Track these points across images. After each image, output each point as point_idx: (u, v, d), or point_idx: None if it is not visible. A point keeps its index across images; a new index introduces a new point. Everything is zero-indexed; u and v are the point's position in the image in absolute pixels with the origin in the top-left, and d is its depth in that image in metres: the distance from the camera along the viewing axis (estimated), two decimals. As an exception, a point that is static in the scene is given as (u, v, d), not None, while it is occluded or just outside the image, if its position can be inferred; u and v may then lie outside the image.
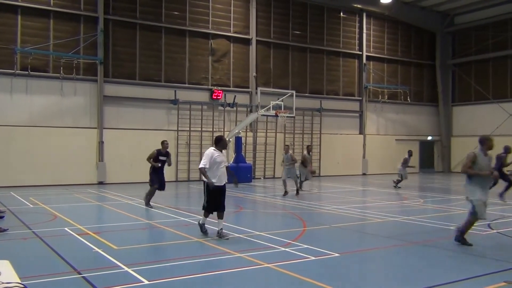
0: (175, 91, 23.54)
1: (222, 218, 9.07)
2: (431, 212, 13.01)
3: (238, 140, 23.28)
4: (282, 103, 23.99)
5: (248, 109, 25.72)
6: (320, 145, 27.72)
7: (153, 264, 7.03)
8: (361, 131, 29.96)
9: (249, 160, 24.73)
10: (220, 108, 24.88)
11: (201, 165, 8.83)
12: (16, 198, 15.65)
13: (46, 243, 8.53)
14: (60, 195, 17.35)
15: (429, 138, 32.90)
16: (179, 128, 23.72)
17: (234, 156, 22.83)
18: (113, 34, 22.33)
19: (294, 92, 24.73)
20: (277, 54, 26.92)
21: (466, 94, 32.31)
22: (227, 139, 9.64)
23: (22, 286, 4.41)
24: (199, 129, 24.21)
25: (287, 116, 24.41)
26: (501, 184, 14.96)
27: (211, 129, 24.38)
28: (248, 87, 25.92)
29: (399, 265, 7.45)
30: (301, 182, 19.37)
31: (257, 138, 26.02)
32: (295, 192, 17.27)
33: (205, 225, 9.22)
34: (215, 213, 9.11)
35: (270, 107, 23.44)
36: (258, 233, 9.57)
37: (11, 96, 20.24)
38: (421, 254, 7.97)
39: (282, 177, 17.21)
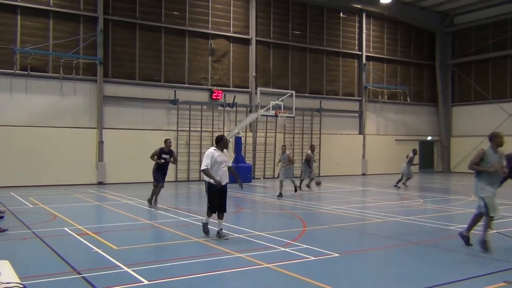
0: (175, 91, 23.54)
1: (222, 219, 9.06)
2: (431, 212, 13.02)
3: (237, 140, 23.29)
4: (282, 103, 23.99)
5: (248, 109, 25.72)
6: (319, 145, 27.70)
7: (153, 264, 7.03)
8: (361, 131, 29.97)
9: (248, 160, 24.74)
10: (220, 108, 24.88)
11: (203, 167, 8.78)
12: (15, 198, 15.64)
13: (46, 243, 8.52)
14: (60, 195, 17.34)
15: (429, 138, 32.91)
16: (179, 128, 23.71)
17: (233, 156, 22.84)
18: (113, 34, 22.32)
19: (293, 92, 24.72)
20: (276, 54, 26.92)
21: (466, 94, 32.33)
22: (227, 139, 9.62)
23: (22, 286, 4.41)
24: (199, 129, 24.21)
25: (286, 116, 24.40)
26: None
27: (210, 129, 24.38)
28: (247, 87, 25.92)
29: (399, 265, 7.45)
30: (301, 181, 19.39)
31: (257, 138, 26.03)
32: (294, 189, 17.34)
33: (208, 225, 9.18)
34: (214, 215, 9.09)
35: (269, 107, 23.44)
36: (257, 233, 9.57)
37: (11, 96, 20.24)
38: (421, 254, 7.97)
39: (279, 178, 17.14)
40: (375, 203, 15.38)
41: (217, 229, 8.99)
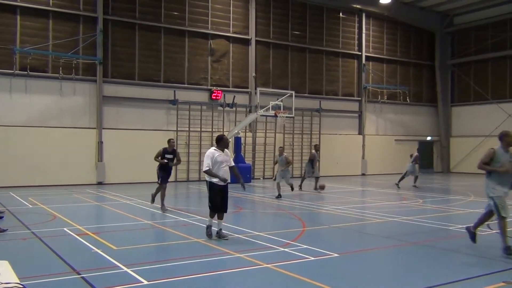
0: (174, 91, 23.54)
1: (222, 219, 9.06)
2: (430, 213, 13.02)
3: (237, 140, 23.30)
4: (282, 103, 24.00)
5: (248, 110, 25.72)
6: (319, 145, 27.65)
7: (152, 264, 7.02)
8: (360, 131, 29.97)
9: (248, 161, 24.75)
10: (220, 108, 24.88)
11: (205, 168, 8.75)
12: (15, 198, 15.63)
13: (45, 244, 8.52)
14: (59, 195, 17.32)
15: (428, 138, 32.92)
16: (178, 129, 23.70)
17: (233, 156, 22.84)
18: (112, 34, 22.32)
19: (293, 92, 24.75)
20: (276, 54, 26.93)
21: (465, 95, 32.34)
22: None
23: (21, 286, 4.41)
24: (199, 129, 24.21)
25: (286, 117, 24.42)
26: None
27: (210, 130, 24.38)
28: (247, 87, 25.92)
29: (398, 265, 7.45)
30: (303, 180, 19.34)
31: (257, 138, 26.03)
32: (290, 189, 17.24)
33: (211, 227, 9.04)
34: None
35: (269, 107, 23.45)
36: (257, 233, 9.57)
37: (10, 96, 20.22)
38: (421, 254, 7.97)
39: (276, 180, 16.87)
40: (374, 203, 15.39)
41: (216, 229, 8.98)
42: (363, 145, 29.88)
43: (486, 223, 9.95)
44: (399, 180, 20.64)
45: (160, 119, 23.52)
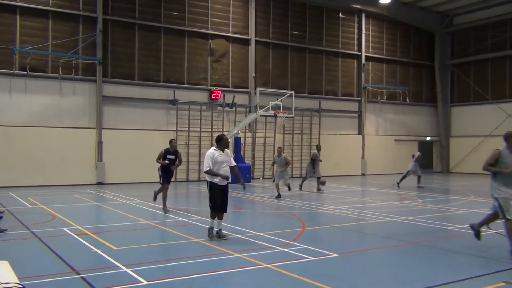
0: (174, 91, 23.53)
1: (221, 219, 9.05)
2: (430, 213, 13.02)
3: (237, 140, 23.30)
4: (281, 103, 24.00)
5: (247, 110, 25.72)
6: (320, 145, 27.66)
7: (152, 264, 7.01)
8: (360, 131, 29.98)
9: (248, 161, 24.75)
10: (219, 108, 24.87)
11: (205, 169, 8.72)
12: (15, 198, 15.62)
13: (45, 244, 8.52)
14: (59, 195, 17.32)
15: (428, 138, 32.92)
16: (178, 129, 23.70)
17: (233, 156, 22.80)
18: (112, 34, 22.31)
19: (293, 92, 24.75)
20: (276, 54, 26.92)
21: (465, 95, 32.35)
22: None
23: (21, 286, 4.41)
24: (198, 129, 24.20)
25: (286, 117, 24.41)
26: None
27: (210, 130, 24.37)
28: (247, 88, 25.92)
29: (398, 265, 7.45)
30: (304, 180, 19.28)
31: (256, 138, 26.03)
32: (287, 188, 17.11)
33: (213, 229, 8.96)
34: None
35: (269, 107, 23.45)
36: (257, 233, 9.57)
37: (10, 96, 20.22)
38: (421, 254, 7.97)
39: (275, 181, 16.74)
40: (374, 203, 15.39)
41: (216, 229, 8.98)
42: (363, 145, 29.88)
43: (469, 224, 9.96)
44: (400, 180, 20.65)
45: (159, 119, 23.51)
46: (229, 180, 8.91)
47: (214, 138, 9.32)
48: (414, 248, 8.48)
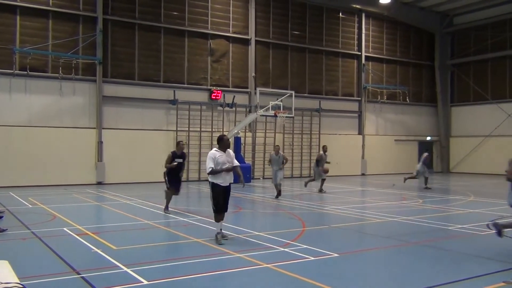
0: (174, 91, 23.53)
1: (222, 219, 9.04)
2: (430, 212, 13.02)
3: (237, 140, 23.29)
4: (281, 103, 23.99)
5: (247, 109, 25.72)
6: (319, 145, 27.68)
7: (152, 264, 7.01)
8: (360, 131, 29.97)
9: (248, 161, 24.74)
10: (219, 108, 24.87)
11: (208, 170, 8.69)
12: (15, 198, 15.63)
13: (45, 243, 8.52)
14: (59, 195, 17.32)
15: (428, 138, 32.92)
16: (178, 129, 23.69)
17: (233, 156, 22.82)
18: (112, 34, 22.31)
19: (293, 92, 24.74)
20: (276, 54, 26.92)
21: (465, 95, 32.35)
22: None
23: (21, 286, 4.41)
24: (198, 129, 24.20)
25: (286, 117, 24.41)
26: None
27: (210, 130, 24.37)
28: (247, 88, 25.92)
29: (398, 265, 7.45)
30: (311, 180, 19.16)
31: (256, 138, 26.02)
32: (276, 194, 16.24)
33: (221, 234, 8.70)
34: (213, 215, 9.04)
35: (269, 107, 23.44)
36: (257, 233, 9.57)
37: (10, 96, 20.22)
38: (421, 254, 7.97)
39: (272, 181, 16.53)
40: (374, 203, 15.39)
41: (215, 229, 8.95)
42: (363, 145, 29.88)
43: (486, 223, 9.98)
44: (408, 178, 20.72)
45: (160, 119, 23.51)
46: (231, 181, 8.91)
47: (214, 138, 9.33)
48: (414, 248, 8.48)
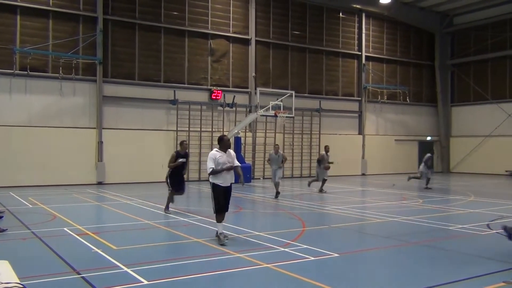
0: (174, 91, 23.53)
1: (223, 219, 9.03)
2: (430, 212, 13.01)
3: (237, 140, 23.29)
4: (281, 103, 24.00)
5: (247, 109, 25.72)
6: (319, 145, 27.69)
7: (152, 264, 7.01)
8: (360, 131, 29.97)
9: (248, 161, 24.74)
10: (220, 108, 24.87)
11: (208, 170, 8.68)
12: (15, 198, 15.63)
13: (45, 243, 8.52)
14: (59, 195, 17.32)
15: (428, 138, 32.91)
16: (178, 128, 23.69)
17: (233, 156, 22.82)
18: (112, 34, 22.31)
19: (293, 92, 24.74)
20: (276, 54, 26.92)
21: (465, 95, 32.34)
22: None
23: (21, 286, 4.41)
24: (198, 129, 24.20)
25: (286, 117, 24.42)
26: None
27: (210, 130, 24.36)
28: (247, 87, 25.92)
29: (398, 265, 7.45)
30: (315, 180, 19.14)
31: (256, 138, 26.02)
32: (275, 194, 16.29)
33: (223, 235, 8.63)
34: (213, 215, 9.04)
35: (269, 107, 23.45)
36: (257, 233, 9.57)
37: (10, 96, 20.22)
38: (421, 254, 7.98)
39: (272, 180, 16.46)
40: (374, 203, 15.39)
41: (215, 229, 8.96)
42: (363, 145, 29.88)
43: (486, 223, 9.98)
44: (412, 177, 20.73)
45: (160, 119, 23.51)
46: (232, 181, 8.90)
47: (214, 138, 9.35)
48: (414, 248, 8.48)
